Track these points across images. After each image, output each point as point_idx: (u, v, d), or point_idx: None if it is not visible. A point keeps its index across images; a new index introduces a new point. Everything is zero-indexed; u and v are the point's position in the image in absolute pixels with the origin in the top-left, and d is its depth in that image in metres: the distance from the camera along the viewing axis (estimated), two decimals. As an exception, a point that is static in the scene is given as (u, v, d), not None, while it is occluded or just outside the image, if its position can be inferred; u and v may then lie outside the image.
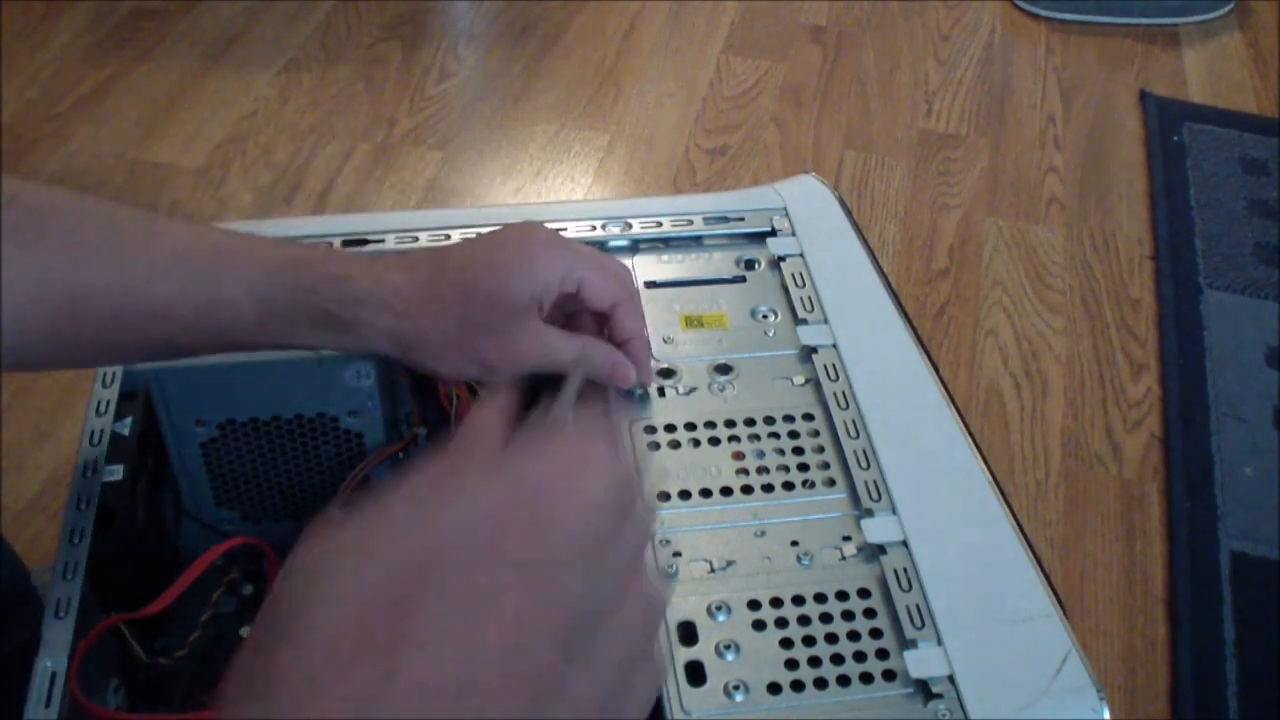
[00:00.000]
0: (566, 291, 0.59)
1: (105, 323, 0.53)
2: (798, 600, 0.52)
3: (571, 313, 0.61)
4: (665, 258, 0.70)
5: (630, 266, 0.69)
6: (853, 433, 0.59)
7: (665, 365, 0.63)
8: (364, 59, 1.69)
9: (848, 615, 0.52)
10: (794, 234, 0.71)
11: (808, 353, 0.64)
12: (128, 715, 0.57)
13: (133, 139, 1.55)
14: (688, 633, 0.51)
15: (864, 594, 0.53)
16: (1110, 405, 1.29)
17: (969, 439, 0.60)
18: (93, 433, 0.60)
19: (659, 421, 0.60)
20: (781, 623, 0.51)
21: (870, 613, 0.52)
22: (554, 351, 0.58)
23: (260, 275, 0.55)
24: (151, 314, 0.54)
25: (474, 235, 0.70)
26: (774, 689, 0.49)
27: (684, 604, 0.52)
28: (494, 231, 0.60)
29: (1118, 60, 1.79)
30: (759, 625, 0.51)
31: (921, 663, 0.50)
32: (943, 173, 1.57)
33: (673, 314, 0.66)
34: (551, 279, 0.58)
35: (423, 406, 0.68)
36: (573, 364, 0.59)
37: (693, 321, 0.66)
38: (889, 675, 0.50)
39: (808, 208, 0.73)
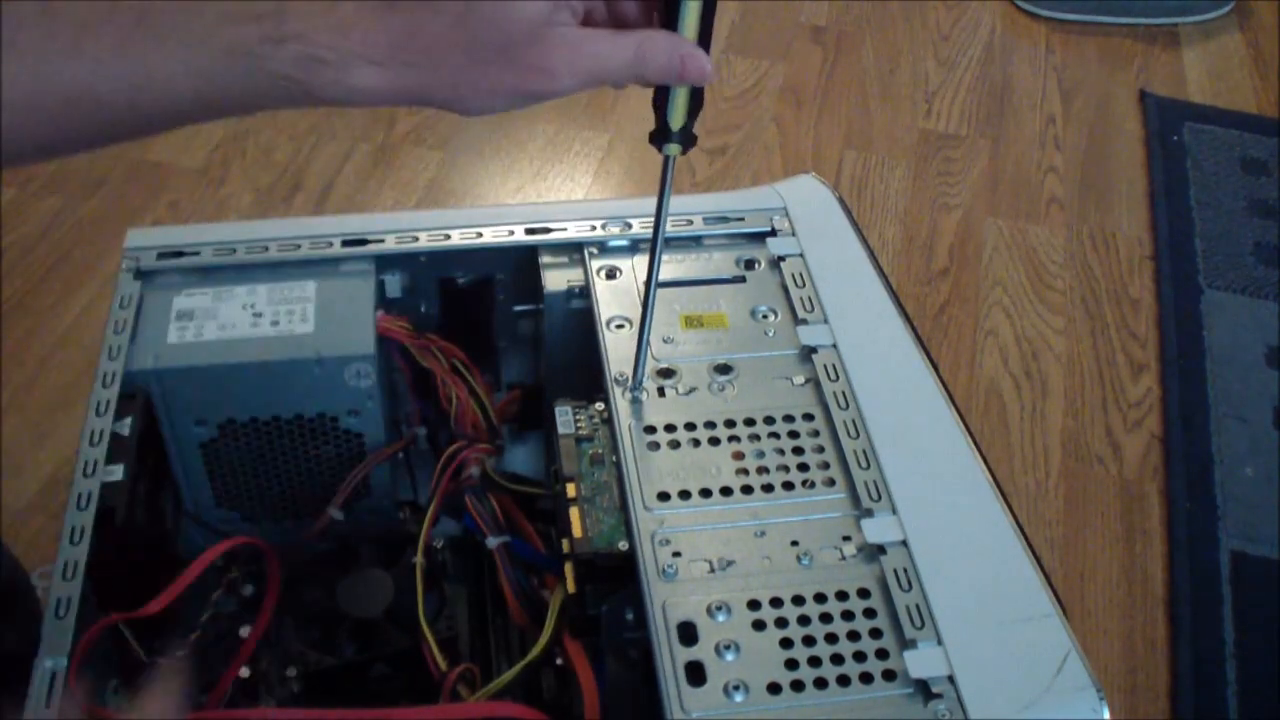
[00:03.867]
0: None
1: (21, 115, 0.45)
2: (798, 600, 0.52)
3: (615, 5, 0.50)
4: (665, 258, 0.69)
5: (630, 266, 0.69)
6: (853, 433, 0.59)
7: (665, 365, 0.63)
8: (364, 59, 1.69)
9: (848, 615, 0.52)
10: (794, 234, 0.71)
11: (808, 353, 0.64)
12: (127, 715, 0.57)
13: (133, 139, 1.54)
14: (688, 633, 0.51)
15: (864, 594, 0.53)
16: (1110, 405, 1.29)
17: (969, 439, 0.60)
18: (92, 433, 0.60)
19: (659, 421, 0.60)
20: (781, 623, 0.51)
21: (870, 613, 0.52)
22: (603, 58, 0.48)
23: (194, 46, 0.45)
24: (70, 99, 0.46)
25: (475, 234, 0.70)
26: (774, 689, 0.49)
27: (684, 604, 0.52)
28: None
29: (1118, 60, 1.79)
30: (759, 625, 0.51)
31: (921, 663, 0.50)
32: (943, 173, 1.57)
33: (673, 314, 0.66)
34: None
35: (423, 406, 0.68)
36: (630, 66, 0.49)
37: (693, 321, 0.66)
38: (889, 675, 0.50)
39: (808, 208, 0.73)
